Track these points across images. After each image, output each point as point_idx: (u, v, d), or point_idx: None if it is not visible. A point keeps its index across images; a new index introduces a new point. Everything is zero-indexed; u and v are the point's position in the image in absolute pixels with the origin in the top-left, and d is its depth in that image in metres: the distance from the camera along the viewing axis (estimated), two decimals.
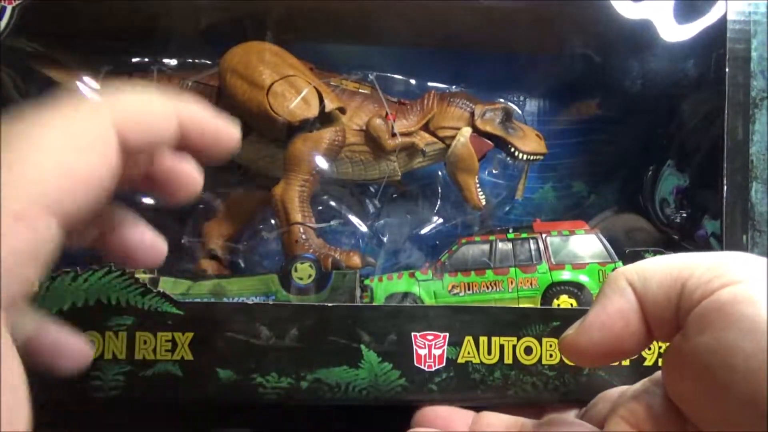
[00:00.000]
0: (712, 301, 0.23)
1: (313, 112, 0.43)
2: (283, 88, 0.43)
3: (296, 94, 0.43)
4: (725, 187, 0.37)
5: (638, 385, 0.30)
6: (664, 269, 0.26)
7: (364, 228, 0.47)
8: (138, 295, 0.35)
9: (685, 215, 0.38)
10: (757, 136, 0.37)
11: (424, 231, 0.49)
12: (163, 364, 0.35)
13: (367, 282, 0.41)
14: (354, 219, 0.47)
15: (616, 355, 0.28)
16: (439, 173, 0.51)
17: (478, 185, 0.47)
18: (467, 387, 0.36)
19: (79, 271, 0.35)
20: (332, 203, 0.47)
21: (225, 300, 0.40)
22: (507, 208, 0.53)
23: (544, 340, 0.36)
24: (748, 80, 0.37)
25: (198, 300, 0.40)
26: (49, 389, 0.33)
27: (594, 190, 0.54)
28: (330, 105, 0.43)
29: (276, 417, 0.38)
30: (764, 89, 0.37)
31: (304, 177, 0.43)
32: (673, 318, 0.25)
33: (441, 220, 0.49)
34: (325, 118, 0.44)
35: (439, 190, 0.51)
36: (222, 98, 0.45)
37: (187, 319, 0.35)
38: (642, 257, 0.38)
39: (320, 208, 0.47)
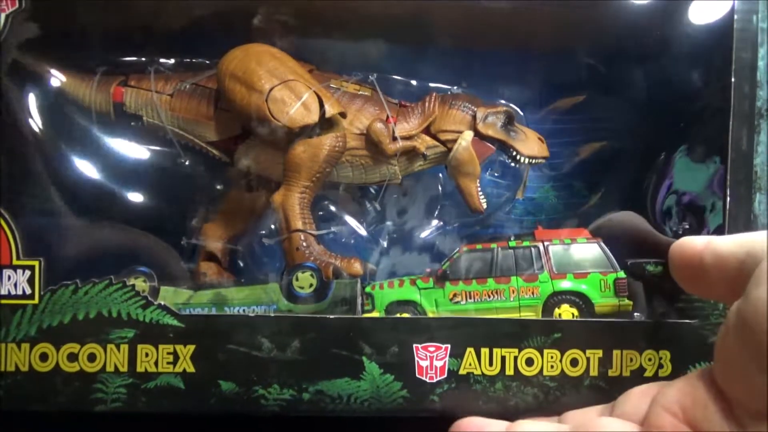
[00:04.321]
0: None
1: (313, 118, 0.42)
2: (283, 93, 0.42)
3: (296, 100, 0.42)
4: (728, 199, 0.37)
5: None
6: (734, 239, 0.30)
7: (364, 232, 0.47)
8: (139, 307, 0.35)
9: (687, 227, 0.38)
10: (761, 147, 0.37)
11: (424, 234, 0.49)
12: (165, 376, 0.35)
13: (368, 290, 0.41)
14: (354, 223, 0.46)
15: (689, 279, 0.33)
16: (440, 175, 0.51)
17: (479, 189, 0.47)
18: (469, 398, 0.36)
19: (80, 283, 0.35)
20: (332, 208, 0.46)
21: (226, 310, 0.40)
22: (507, 209, 0.53)
23: (546, 351, 0.36)
24: (754, 90, 0.37)
25: (199, 312, 0.39)
26: (52, 401, 0.33)
27: (594, 190, 0.54)
28: (330, 110, 0.43)
29: (278, 428, 0.38)
30: None
31: (305, 183, 0.43)
32: (736, 278, 0.28)
33: (441, 223, 0.49)
34: (325, 123, 0.43)
35: (440, 190, 0.51)
36: (220, 101, 0.45)
37: (188, 331, 0.35)
38: (644, 268, 0.38)
39: (321, 213, 0.46)
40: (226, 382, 0.35)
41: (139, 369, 0.35)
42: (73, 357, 0.35)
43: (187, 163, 0.47)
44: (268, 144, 0.45)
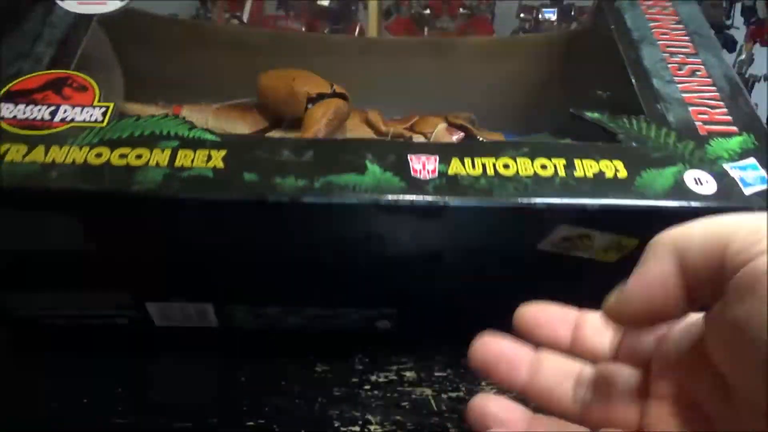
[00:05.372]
0: (751, 268, 0.22)
1: (326, 89, 0.57)
2: (304, 77, 0.58)
3: (314, 81, 0.58)
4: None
5: (681, 326, 0.29)
6: (706, 233, 0.24)
7: None
8: (186, 129, 0.44)
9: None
10: None
11: None
12: (198, 169, 0.41)
13: None
14: None
15: (658, 320, 0.27)
16: None
17: None
18: (458, 190, 0.41)
19: (142, 116, 0.44)
20: None
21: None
22: None
23: (518, 158, 0.43)
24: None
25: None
26: (97, 184, 0.40)
27: None
28: (338, 89, 0.58)
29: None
30: None
31: (317, 127, 0.55)
32: (716, 284, 0.24)
33: None
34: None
35: None
36: (256, 104, 0.60)
37: (223, 143, 0.43)
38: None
39: None
40: (249, 173, 0.41)
41: (177, 164, 0.41)
42: (123, 156, 0.41)
43: None
44: (290, 127, 0.58)
